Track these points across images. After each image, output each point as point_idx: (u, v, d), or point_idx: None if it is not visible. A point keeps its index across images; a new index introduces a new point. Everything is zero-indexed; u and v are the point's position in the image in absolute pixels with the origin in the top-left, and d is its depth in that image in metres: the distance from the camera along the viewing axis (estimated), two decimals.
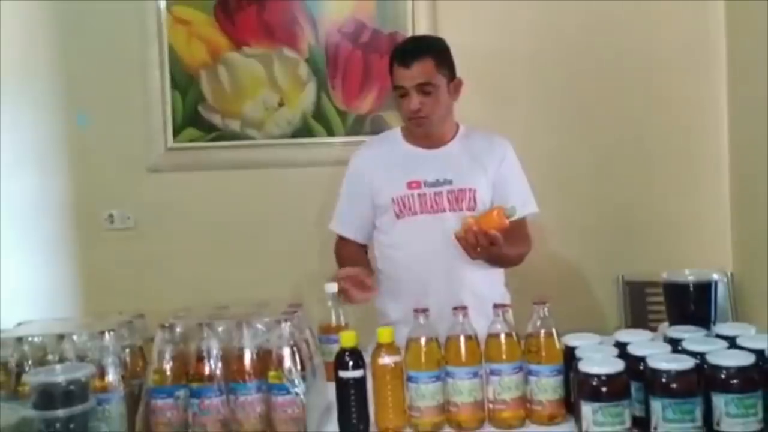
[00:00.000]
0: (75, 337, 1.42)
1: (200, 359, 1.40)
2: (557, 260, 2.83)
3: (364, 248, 2.22)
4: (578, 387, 1.35)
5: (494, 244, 1.87)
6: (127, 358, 1.48)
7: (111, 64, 2.81)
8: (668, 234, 2.86)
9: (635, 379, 1.35)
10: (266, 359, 1.40)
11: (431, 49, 2.06)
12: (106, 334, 1.42)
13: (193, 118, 2.84)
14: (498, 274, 2.15)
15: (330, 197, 2.27)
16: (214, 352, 1.39)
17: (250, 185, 2.86)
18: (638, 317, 2.74)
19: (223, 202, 2.87)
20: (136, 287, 2.78)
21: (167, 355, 1.40)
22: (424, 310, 1.47)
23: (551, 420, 1.43)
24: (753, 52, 2.64)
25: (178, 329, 1.42)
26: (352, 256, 2.16)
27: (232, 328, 1.42)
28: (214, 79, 2.84)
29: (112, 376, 1.40)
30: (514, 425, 1.44)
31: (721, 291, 2.68)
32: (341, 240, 2.22)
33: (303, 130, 2.85)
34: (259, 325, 1.41)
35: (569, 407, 1.44)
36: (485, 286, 2.05)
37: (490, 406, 1.45)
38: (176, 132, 2.84)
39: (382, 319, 2.10)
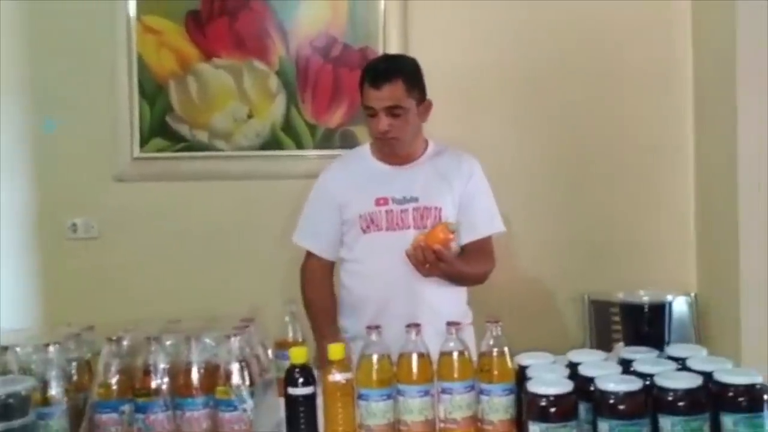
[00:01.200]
0: (18, 350, 1.40)
1: (147, 373, 1.38)
2: (523, 278, 2.82)
3: (330, 267, 2.20)
4: (527, 407, 1.34)
5: (441, 259, 1.89)
6: (73, 371, 1.46)
7: (78, 70, 2.78)
8: (633, 254, 2.88)
9: (585, 399, 1.34)
10: (214, 374, 1.39)
11: (402, 72, 2.04)
12: (51, 346, 1.40)
13: (161, 128, 2.81)
14: (460, 292, 2.14)
15: (298, 211, 2.25)
16: (161, 366, 1.38)
17: (217, 197, 2.84)
18: (603, 336, 2.73)
19: (189, 213, 2.83)
20: (99, 297, 2.73)
21: (113, 369, 1.39)
22: (377, 327, 1.46)
23: None
24: (718, 71, 2.67)
25: (125, 343, 1.41)
26: (323, 301, 2.16)
27: (180, 342, 1.40)
28: (183, 90, 2.81)
29: (55, 390, 1.38)
30: None
31: (686, 312, 2.75)
32: (309, 261, 2.19)
33: (272, 143, 2.84)
34: (207, 340, 1.41)
35: (521, 428, 1.43)
36: (445, 304, 2.04)
37: (441, 425, 1.44)
38: (143, 141, 2.81)
39: (343, 334, 2.09)
